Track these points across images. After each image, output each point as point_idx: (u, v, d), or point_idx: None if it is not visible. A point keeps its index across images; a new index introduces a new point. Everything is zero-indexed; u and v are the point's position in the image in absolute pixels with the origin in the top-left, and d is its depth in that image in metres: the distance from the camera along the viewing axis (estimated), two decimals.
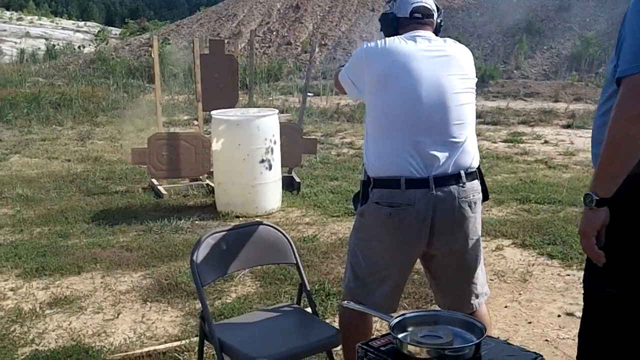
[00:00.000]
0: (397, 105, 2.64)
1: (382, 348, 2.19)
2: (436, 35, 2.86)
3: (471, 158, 2.71)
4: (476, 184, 2.73)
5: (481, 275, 2.89)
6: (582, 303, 4.15)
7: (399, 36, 2.76)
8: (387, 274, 2.75)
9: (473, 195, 2.70)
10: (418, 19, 2.81)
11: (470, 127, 2.75)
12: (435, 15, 2.87)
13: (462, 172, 2.66)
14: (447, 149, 2.63)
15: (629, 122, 1.91)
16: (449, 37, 2.89)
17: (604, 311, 2.19)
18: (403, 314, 2.29)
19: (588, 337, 2.28)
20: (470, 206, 2.69)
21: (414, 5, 2.81)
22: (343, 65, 2.95)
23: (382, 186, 2.64)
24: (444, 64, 2.72)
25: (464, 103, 2.72)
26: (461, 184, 2.65)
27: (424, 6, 2.82)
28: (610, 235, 2.09)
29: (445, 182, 2.62)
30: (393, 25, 2.83)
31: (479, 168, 2.77)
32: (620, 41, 2.09)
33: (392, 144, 2.63)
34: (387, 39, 2.75)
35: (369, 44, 2.76)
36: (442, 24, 2.94)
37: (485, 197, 2.82)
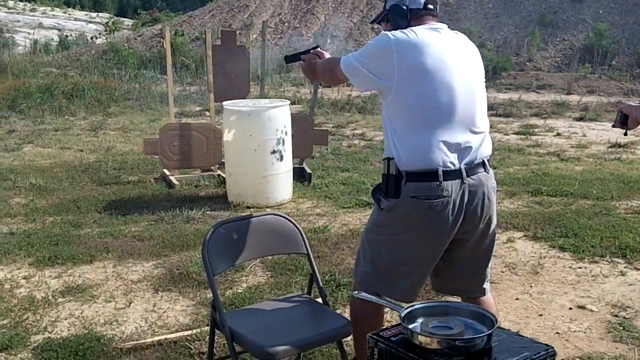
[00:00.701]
0: (433, 98, 2.62)
1: (393, 338, 2.19)
2: None
3: (490, 146, 2.81)
4: (492, 171, 2.82)
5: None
6: (594, 296, 4.15)
7: (421, 27, 2.71)
8: (415, 265, 2.76)
9: (494, 182, 2.82)
10: (431, 10, 2.79)
11: (487, 117, 2.83)
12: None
13: (485, 160, 2.75)
14: (475, 139, 2.71)
15: None
16: (460, 28, 2.88)
17: None
18: (413, 305, 2.30)
19: None
20: (494, 192, 2.81)
21: None
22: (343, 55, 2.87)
23: (417, 179, 2.63)
24: (468, 56, 2.78)
25: (483, 94, 2.81)
26: (487, 171, 2.75)
27: None
28: None
29: (475, 170, 2.70)
30: (405, 16, 2.77)
31: None
32: None
33: (427, 137, 2.62)
34: (414, 29, 2.67)
35: (395, 35, 2.65)
36: None
37: None
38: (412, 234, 2.69)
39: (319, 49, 3.13)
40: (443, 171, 2.60)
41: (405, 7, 2.78)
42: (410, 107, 2.64)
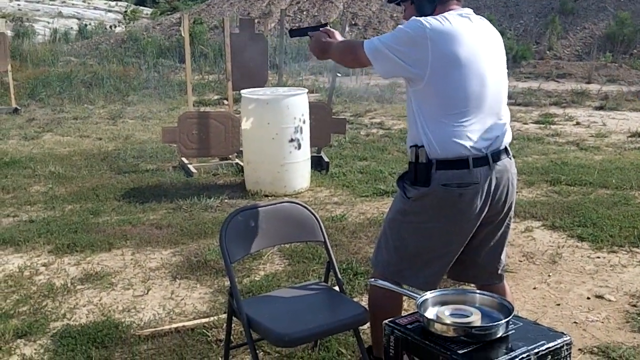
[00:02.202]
0: (465, 87, 2.61)
1: (409, 326, 2.20)
2: None
3: (510, 133, 2.83)
4: (513, 157, 2.84)
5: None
6: (612, 286, 4.13)
7: (452, 13, 2.66)
8: (441, 254, 2.77)
9: (515, 168, 2.84)
10: None
11: (506, 104, 2.85)
12: None
13: (508, 147, 2.78)
14: (500, 126, 2.74)
15: None
16: (480, 16, 2.85)
17: None
18: (430, 293, 2.29)
19: None
20: (515, 177, 2.83)
21: None
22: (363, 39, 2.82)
23: (448, 167, 2.63)
24: (495, 44, 2.78)
25: (506, 82, 2.83)
26: (510, 157, 2.78)
27: None
28: None
29: (500, 156, 2.72)
30: (432, 1, 2.73)
31: None
32: None
33: (458, 125, 2.62)
34: (447, 17, 2.62)
35: (430, 22, 2.60)
36: None
37: None
38: (441, 222, 2.69)
39: (328, 26, 3.09)
40: (474, 158, 2.62)
41: None
42: (442, 96, 2.62)
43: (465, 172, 2.61)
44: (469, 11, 2.75)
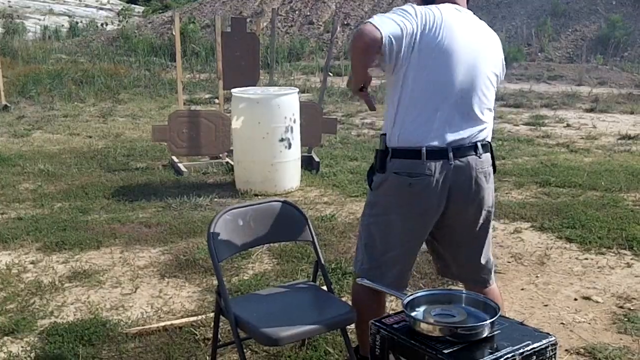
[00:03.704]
0: (431, 78, 2.62)
1: (395, 325, 2.21)
2: None
3: (488, 131, 2.78)
4: (489, 156, 2.78)
5: (490, 248, 2.95)
6: (599, 287, 4.15)
7: (447, 5, 2.68)
8: (402, 251, 2.76)
9: (488, 167, 2.77)
10: None
11: (492, 105, 2.80)
12: None
13: (479, 144, 2.71)
14: (470, 123, 2.69)
15: None
16: None
17: None
18: (416, 292, 2.30)
19: None
20: (485, 177, 2.75)
21: None
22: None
23: (402, 156, 2.65)
24: (483, 42, 2.76)
25: (490, 83, 2.77)
26: (478, 155, 2.70)
27: None
28: None
29: (464, 152, 2.67)
30: None
31: (489, 142, 2.80)
32: None
33: (422, 114, 2.63)
34: (440, 7, 2.64)
35: (422, 8, 2.61)
36: None
37: (494, 170, 2.85)
38: (397, 212, 2.70)
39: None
40: (427, 150, 2.61)
41: None
42: (408, 86, 2.63)
43: (417, 162, 2.61)
44: (462, 6, 2.76)
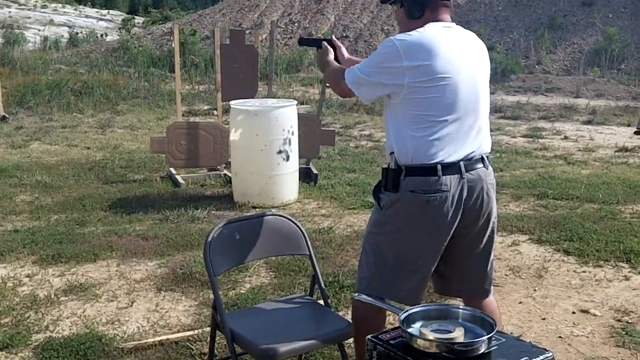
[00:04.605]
0: (437, 98, 2.63)
1: (392, 341, 2.19)
2: None
3: (489, 143, 2.84)
4: (491, 168, 2.83)
5: (493, 260, 2.98)
6: (597, 300, 4.15)
7: (432, 24, 2.69)
8: (418, 264, 2.76)
9: (493, 178, 2.83)
10: (447, 2, 2.77)
11: (488, 115, 2.84)
12: None
13: (485, 156, 2.77)
14: (476, 136, 2.74)
15: None
16: (471, 30, 2.87)
17: None
18: (413, 308, 2.29)
19: None
20: (493, 188, 2.82)
21: None
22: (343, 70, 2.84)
23: (416, 174, 2.65)
24: (476, 55, 2.78)
25: (487, 94, 2.82)
26: (486, 167, 2.77)
27: None
28: None
29: (474, 165, 2.71)
30: (422, 4, 2.73)
31: None
32: None
33: (427, 133, 2.64)
34: (420, 30, 2.66)
35: (400, 39, 2.64)
36: None
37: None
38: (413, 231, 2.70)
39: (333, 37, 3.14)
40: (442, 166, 2.62)
41: None
42: (416, 105, 2.65)
43: (433, 179, 2.62)
44: (451, 22, 2.77)
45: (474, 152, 2.71)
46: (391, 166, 2.71)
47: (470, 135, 2.71)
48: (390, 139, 2.73)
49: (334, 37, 3.17)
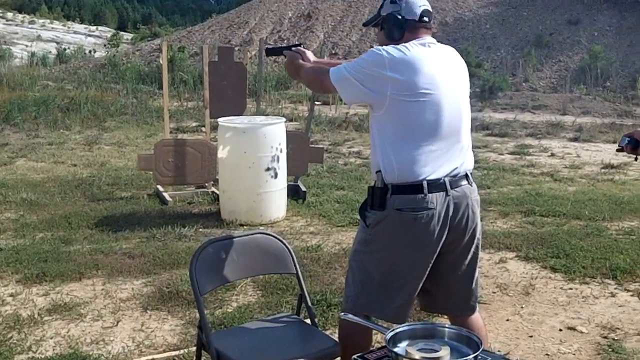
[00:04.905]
0: (421, 115, 2.66)
1: None
2: None
3: (472, 159, 2.87)
4: (475, 184, 2.85)
5: (478, 276, 2.99)
6: (584, 317, 4.15)
7: (414, 43, 2.72)
8: (405, 282, 2.76)
9: (477, 195, 2.84)
10: (426, 23, 2.80)
11: (470, 131, 2.87)
12: None
13: (468, 173, 2.80)
14: (459, 153, 2.77)
15: None
16: (458, 48, 2.91)
17: None
18: (399, 327, 2.28)
19: None
20: (477, 204, 2.83)
21: (422, 9, 2.79)
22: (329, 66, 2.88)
23: (403, 192, 2.67)
24: (457, 71, 2.82)
25: (469, 110, 2.85)
26: (470, 183, 2.79)
27: (429, 9, 2.84)
28: None
29: (458, 182, 2.74)
30: (401, 27, 2.77)
31: None
32: None
33: (412, 151, 2.66)
34: (407, 45, 2.69)
35: (388, 51, 2.67)
36: None
37: None
38: (399, 248, 2.71)
39: (301, 47, 3.17)
40: (428, 183, 2.64)
41: (400, 17, 2.78)
42: (399, 123, 2.68)
43: (419, 197, 2.64)
44: (432, 40, 2.80)
45: (458, 168, 2.74)
46: (377, 184, 2.72)
47: (454, 152, 2.74)
48: (376, 157, 2.75)
49: (302, 46, 3.21)
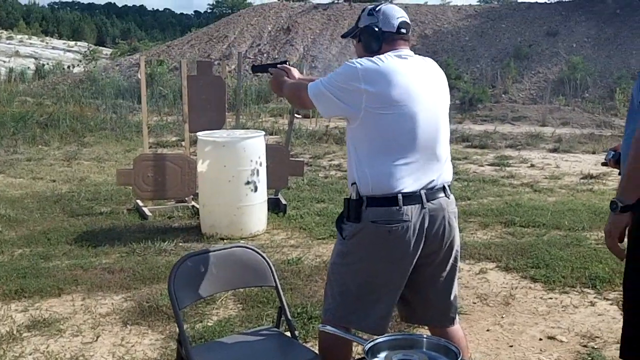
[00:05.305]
0: (396, 127, 2.67)
1: None
2: None
3: (451, 172, 2.87)
4: (453, 197, 2.85)
5: (457, 285, 2.98)
6: (564, 326, 4.18)
7: (389, 54, 2.74)
8: (382, 293, 2.77)
9: (455, 207, 2.84)
10: (403, 35, 2.82)
11: (448, 144, 2.88)
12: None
13: (446, 185, 2.79)
14: (436, 166, 2.76)
15: None
16: (438, 60, 2.92)
17: None
18: (377, 338, 2.28)
19: (632, 325, 2.41)
20: (455, 217, 2.83)
21: (400, 20, 2.81)
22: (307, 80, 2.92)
23: (377, 204, 2.67)
24: (434, 83, 2.81)
25: (447, 122, 2.85)
26: (447, 196, 2.78)
27: (406, 21, 2.85)
28: None
29: (435, 195, 2.73)
30: (378, 39, 2.79)
31: None
32: None
33: (387, 163, 2.66)
34: (382, 57, 2.70)
35: (362, 63, 2.69)
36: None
37: None
38: (375, 260, 2.71)
39: (286, 64, 3.18)
40: (403, 196, 2.64)
41: (378, 29, 2.79)
42: (374, 135, 2.68)
43: (394, 209, 2.64)
44: (409, 52, 2.81)
45: (435, 181, 2.74)
46: (353, 197, 2.72)
47: (430, 165, 2.73)
48: (352, 170, 2.75)
49: (287, 63, 3.23)
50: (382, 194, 2.66)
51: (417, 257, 2.73)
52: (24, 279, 5.25)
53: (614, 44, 21.33)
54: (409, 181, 2.66)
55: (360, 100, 2.65)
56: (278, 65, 3.17)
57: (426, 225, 2.70)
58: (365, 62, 2.69)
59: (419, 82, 2.73)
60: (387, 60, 2.70)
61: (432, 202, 2.71)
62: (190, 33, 30.97)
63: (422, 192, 2.68)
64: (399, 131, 2.66)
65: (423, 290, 2.88)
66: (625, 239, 2.48)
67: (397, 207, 2.64)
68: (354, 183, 2.72)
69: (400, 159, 2.66)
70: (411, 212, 2.65)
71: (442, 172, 2.79)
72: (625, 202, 2.37)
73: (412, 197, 2.66)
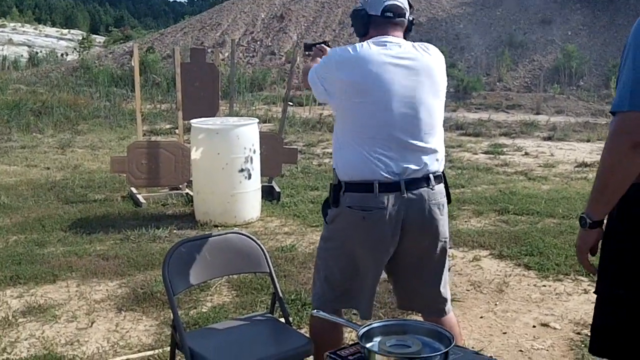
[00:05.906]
0: (369, 115, 2.67)
1: (350, 357, 2.18)
2: (407, 32, 2.87)
3: (439, 163, 2.79)
4: (442, 187, 2.80)
5: (447, 277, 2.96)
6: (557, 314, 4.20)
7: (369, 41, 2.73)
8: (363, 277, 2.78)
9: (441, 198, 2.78)
10: (390, 18, 2.77)
11: (439, 133, 2.81)
12: (407, 13, 2.84)
13: (431, 176, 2.74)
14: (418, 155, 2.71)
15: (620, 155, 2.03)
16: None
17: (613, 311, 2.25)
18: (371, 323, 2.29)
19: (600, 335, 2.34)
20: (439, 208, 2.77)
21: (386, 4, 2.76)
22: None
23: (354, 190, 2.68)
24: (415, 72, 2.72)
25: (434, 111, 2.77)
26: (431, 187, 2.73)
27: (396, 4, 2.78)
28: (618, 239, 2.19)
29: (416, 185, 2.70)
30: (365, 22, 2.79)
31: (443, 172, 2.83)
32: (620, 69, 2.18)
33: (364, 150, 2.67)
34: (357, 45, 2.72)
35: (338, 50, 2.75)
36: (413, 21, 2.92)
37: (449, 201, 2.86)
38: (353, 245, 2.74)
39: (323, 45, 3.22)
40: (380, 183, 2.64)
41: (364, 13, 2.79)
42: (349, 122, 2.72)
43: (369, 195, 2.64)
44: (395, 39, 2.76)
45: (417, 171, 2.69)
46: (334, 182, 2.76)
47: (411, 154, 2.69)
48: (335, 155, 2.79)
49: (328, 43, 3.28)
50: (358, 180, 2.67)
51: (394, 245, 2.72)
52: (18, 265, 5.26)
53: (609, 32, 21.32)
54: (388, 169, 2.64)
55: (337, 89, 2.71)
56: (316, 46, 3.21)
57: (402, 214, 2.67)
58: (341, 50, 2.74)
59: (396, 70, 2.68)
60: (361, 49, 2.69)
61: (412, 192, 2.67)
62: (184, 21, 30.89)
63: (402, 181, 2.66)
64: (373, 120, 2.66)
65: (407, 281, 2.88)
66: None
67: (373, 194, 2.64)
68: (335, 168, 2.77)
69: (375, 146, 2.65)
70: (387, 199, 2.64)
71: (428, 163, 2.72)
72: (594, 219, 2.20)
73: (390, 185, 2.64)
